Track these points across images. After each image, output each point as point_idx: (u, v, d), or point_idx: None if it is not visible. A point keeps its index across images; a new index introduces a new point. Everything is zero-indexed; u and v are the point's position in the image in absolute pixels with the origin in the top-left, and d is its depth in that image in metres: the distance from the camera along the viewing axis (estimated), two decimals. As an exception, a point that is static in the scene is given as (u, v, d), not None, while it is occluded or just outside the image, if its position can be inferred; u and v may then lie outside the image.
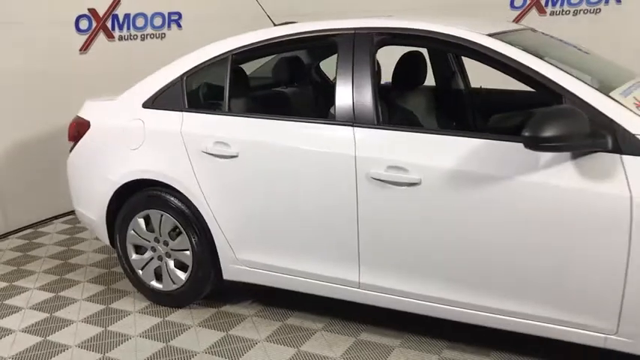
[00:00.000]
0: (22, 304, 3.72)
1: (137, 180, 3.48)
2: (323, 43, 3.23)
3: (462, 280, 2.77)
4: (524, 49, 3.07)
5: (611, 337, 2.53)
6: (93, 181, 3.70)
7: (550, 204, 2.50)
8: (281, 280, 3.24)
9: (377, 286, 2.98)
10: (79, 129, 3.76)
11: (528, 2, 6.35)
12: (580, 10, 6.23)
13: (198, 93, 3.46)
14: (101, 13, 5.54)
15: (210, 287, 3.49)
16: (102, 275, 4.10)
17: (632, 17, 5.93)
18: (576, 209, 2.46)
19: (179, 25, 6.10)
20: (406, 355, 2.96)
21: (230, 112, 3.32)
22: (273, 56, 4.15)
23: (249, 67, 4.53)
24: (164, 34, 6.00)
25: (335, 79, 3.02)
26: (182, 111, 3.40)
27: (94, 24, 5.51)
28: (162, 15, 5.98)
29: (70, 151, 3.84)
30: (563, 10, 6.31)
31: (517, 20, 6.39)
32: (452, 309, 2.82)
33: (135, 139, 3.49)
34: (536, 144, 2.39)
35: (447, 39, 2.83)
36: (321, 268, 3.10)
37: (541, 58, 3.08)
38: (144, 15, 5.86)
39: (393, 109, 3.50)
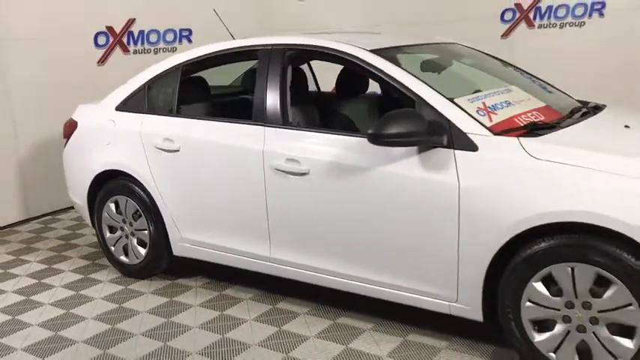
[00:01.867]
0: (21, 273, 4.49)
1: (108, 170, 4.18)
2: (250, 57, 3.82)
3: (342, 254, 3.29)
4: (427, 61, 3.62)
5: (454, 304, 2.99)
6: (78, 171, 4.43)
7: (401, 190, 3.00)
8: (214, 255, 3.85)
9: (283, 260, 3.53)
10: (70, 128, 4.51)
11: (517, 16, 6.72)
12: (566, 23, 6.56)
13: (156, 98, 4.12)
14: (118, 30, 6.34)
15: (165, 262, 4.14)
16: (91, 253, 4.83)
17: (614, 29, 6.22)
18: (420, 195, 2.95)
19: (189, 40, 6.84)
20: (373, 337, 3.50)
21: (177, 114, 3.96)
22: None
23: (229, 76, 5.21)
24: (175, 48, 6.76)
25: (254, 86, 3.61)
26: (143, 113, 4.08)
27: (111, 39, 6.31)
28: (173, 31, 6.75)
29: (64, 146, 4.59)
30: (550, 24, 6.65)
31: (507, 33, 6.79)
32: (335, 279, 3.34)
33: (108, 136, 4.20)
34: (378, 140, 2.90)
35: (336, 53, 3.39)
36: (242, 245, 3.68)
37: (436, 68, 3.62)
38: (157, 31, 6.63)
39: (328, 114, 4.07)
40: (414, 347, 3.17)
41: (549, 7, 6.55)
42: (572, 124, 3.13)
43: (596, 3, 6.35)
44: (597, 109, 3.57)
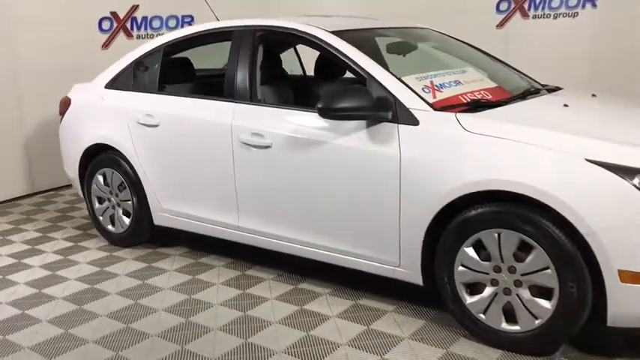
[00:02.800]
0: (17, 240, 4.81)
1: (97, 144, 4.46)
2: (226, 38, 4.04)
3: (300, 223, 3.51)
4: (394, 43, 3.83)
5: (397, 269, 3.20)
6: (71, 145, 4.73)
7: (350, 162, 3.21)
8: (189, 224, 4.11)
9: (250, 229, 3.77)
10: (65, 105, 4.80)
11: (512, 6, 6.85)
12: (560, 14, 6.67)
13: (140, 76, 4.38)
14: (121, 15, 6.63)
15: (147, 231, 4.41)
16: (84, 224, 5.13)
17: (607, 20, 6.33)
18: (367, 166, 3.16)
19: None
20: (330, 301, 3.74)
21: (159, 91, 4.22)
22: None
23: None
24: (177, 33, 7.01)
25: (225, 65, 3.85)
26: (129, 90, 4.34)
27: (115, 25, 6.61)
28: (176, 17, 7.02)
29: (60, 122, 4.89)
30: (544, 14, 6.77)
31: (502, 23, 6.93)
32: (295, 246, 3.57)
33: (97, 112, 4.48)
34: (327, 113, 3.12)
35: (298, 33, 3.62)
36: (214, 215, 3.93)
37: (402, 50, 3.82)
38: (160, 17, 6.91)
39: (303, 94, 4.31)
40: (363, 309, 3.38)
41: (543, -2, 6.68)
42: (516, 102, 3.31)
43: (588, -6, 6.46)
44: (552, 91, 3.73)
